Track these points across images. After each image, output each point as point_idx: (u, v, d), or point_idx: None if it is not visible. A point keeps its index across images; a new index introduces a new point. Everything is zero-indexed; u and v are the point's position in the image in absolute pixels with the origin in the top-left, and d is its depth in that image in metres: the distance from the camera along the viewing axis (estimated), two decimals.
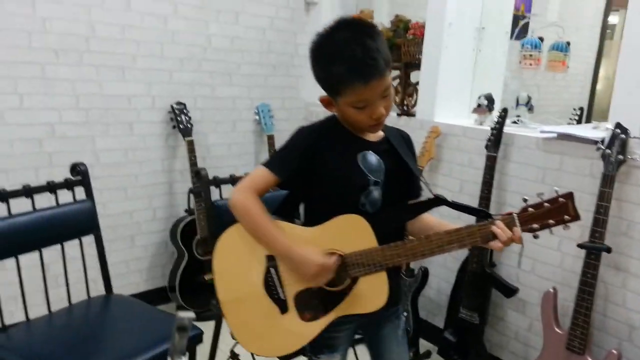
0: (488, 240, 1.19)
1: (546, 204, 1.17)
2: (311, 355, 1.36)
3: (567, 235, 1.97)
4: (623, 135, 1.78)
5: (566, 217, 1.17)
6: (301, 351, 1.33)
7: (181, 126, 2.62)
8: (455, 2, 2.45)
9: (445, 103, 2.54)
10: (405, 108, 2.73)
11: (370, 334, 1.45)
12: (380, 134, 1.32)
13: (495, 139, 2.15)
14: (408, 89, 2.75)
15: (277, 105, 3.10)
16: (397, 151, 1.30)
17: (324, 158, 1.25)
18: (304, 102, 3.23)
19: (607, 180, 1.78)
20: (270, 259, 1.27)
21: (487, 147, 2.17)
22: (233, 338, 1.35)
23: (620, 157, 1.77)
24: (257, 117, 2.99)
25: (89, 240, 1.80)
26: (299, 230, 1.28)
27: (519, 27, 2.50)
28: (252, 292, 1.28)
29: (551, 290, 1.96)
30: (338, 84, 1.18)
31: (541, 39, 2.37)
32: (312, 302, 1.27)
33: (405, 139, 1.39)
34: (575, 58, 4.72)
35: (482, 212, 1.30)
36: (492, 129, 2.17)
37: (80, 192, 1.79)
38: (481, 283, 2.18)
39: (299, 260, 1.22)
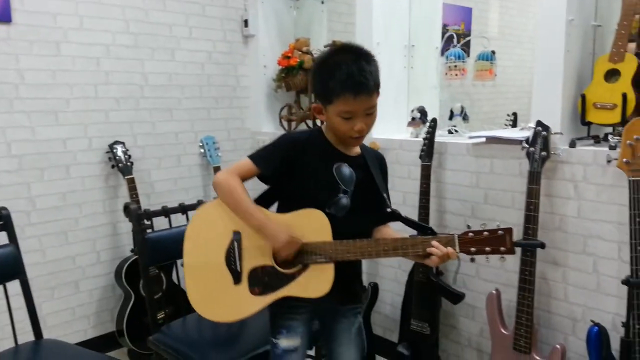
0: (428, 253, 1.35)
1: (485, 233, 1.35)
2: (271, 338, 1.49)
3: None
4: (544, 133, 1.83)
5: (502, 248, 1.35)
6: (244, 320, 1.42)
7: (120, 165, 2.59)
8: (382, 23, 2.52)
9: (383, 118, 2.55)
10: None
11: (326, 325, 1.57)
12: (358, 150, 1.50)
13: (428, 149, 2.18)
14: None
15: (222, 136, 3.10)
16: (369, 168, 1.48)
17: (303, 162, 1.43)
18: (250, 131, 3.24)
19: (534, 177, 1.82)
20: (236, 234, 1.41)
21: (421, 157, 2.20)
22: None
23: (544, 153, 1.82)
24: (202, 150, 2.98)
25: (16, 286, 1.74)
26: (269, 213, 1.44)
27: (444, 40, 2.58)
28: (213, 260, 1.41)
29: (494, 291, 1.97)
30: (332, 94, 1.36)
31: (493, 52, 2.44)
32: (263, 279, 1.39)
33: (379, 160, 1.57)
34: (522, 70, 4.91)
35: (429, 230, 1.43)
36: (424, 139, 2.21)
37: (3, 238, 1.74)
38: (428, 292, 2.18)
39: (271, 232, 1.37)
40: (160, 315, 2.35)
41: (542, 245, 1.82)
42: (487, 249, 1.35)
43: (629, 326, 1.62)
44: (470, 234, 1.36)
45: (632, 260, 1.59)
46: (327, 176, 1.43)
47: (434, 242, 1.34)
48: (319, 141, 1.47)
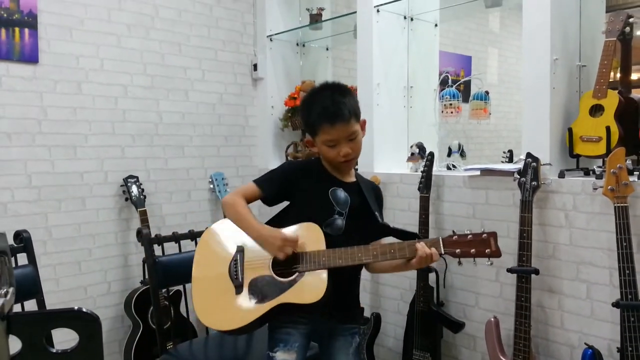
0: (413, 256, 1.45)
1: (470, 236, 1.45)
2: (268, 352, 1.56)
3: (502, 265, 2.08)
4: (534, 164, 1.94)
5: (487, 250, 1.43)
6: (244, 329, 1.50)
7: (134, 198, 2.72)
8: (382, 65, 2.69)
9: (383, 154, 2.71)
10: None
11: (323, 345, 1.65)
12: (354, 179, 1.66)
13: (426, 181, 2.29)
14: None
15: (231, 173, 3.23)
16: (364, 193, 1.62)
17: (303, 186, 1.60)
18: (257, 168, 3.37)
19: (525, 206, 1.91)
20: (239, 249, 1.55)
21: (419, 189, 2.30)
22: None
23: (534, 183, 1.92)
24: (211, 186, 3.11)
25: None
26: (270, 226, 1.58)
27: (439, 81, 2.74)
28: (217, 273, 1.53)
29: (492, 319, 2.02)
30: (314, 126, 1.56)
31: (487, 93, 2.59)
32: (262, 288, 1.49)
33: (375, 190, 1.72)
34: (521, 115, 5.07)
35: (415, 235, 1.55)
36: (422, 172, 2.32)
37: (23, 259, 1.84)
38: (429, 322, 2.22)
39: (267, 236, 1.51)
40: (169, 346, 2.40)
41: (536, 272, 1.89)
42: (472, 250, 1.43)
43: (624, 350, 1.66)
44: (455, 236, 1.46)
45: (621, 283, 1.66)
46: (323, 198, 1.57)
47: (420, 243, 1.45)
48: (317, 168, 1.64)
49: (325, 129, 1.52)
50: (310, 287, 1.45)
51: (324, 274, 1.45)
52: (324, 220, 1.55)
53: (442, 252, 1.45)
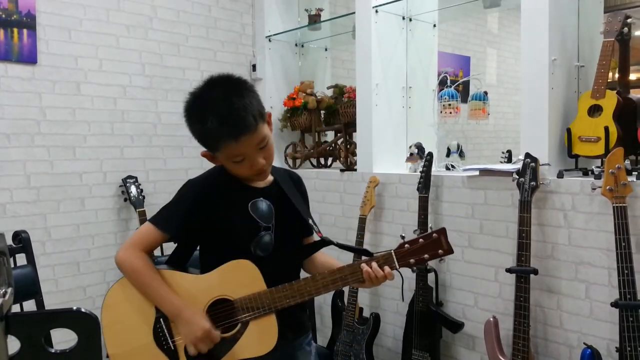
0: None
1: (421, 240, 1.29)
2: None
3: (501, 264, 2.09)
4: (533, 164, 1.94)
5: (440, 251, 1.28)
6: None
7: (133, 198, 2.71)
8: (380, 65, 2.69)
9: (382, 155, 2.71)
10: (348, 164, 2.90)
11: None
12: (270, 178, 1.41)
13: (425, 181, 2.29)
14: (350, 147, 2.94)
15: None
16: (287, 195, 1.38)
17: (214, 210, 1.30)
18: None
19: (524, 206, 1.91)
20: (158, 310, 1.30)
21: (418, 189, 2.30)
22: None
23: (533, 183, 1.92)
24: None
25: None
26: (190, 278, 1.32)
27: (438, 82, 2.74)
28: (141, 345, 1.29)
29: (491, 319, 2.02)
30: (212, 141, 1.26)
31: (486, 93, 2.59)
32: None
33: (295, 181, 1.48)
34: (519, 116, 5.08)
35: (364, 252, 1.37)
36: (421, 172, 2.32)
37: (22, 259, 1.84)
38: (428, 322, 2.23)
39: (186, 322, 1.26)
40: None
41: (535, 272, 1.89)
42: (426, 256, 1.28)
43: (622, 350, 1.67)
44: (407, 245, 1.30)
45: (620, 283, 1.66)
46: (243, 216, 1.32)
47: (368, 266, 1.27)
48: (225, 181, 1.34)
49: (228, 145, 1.22)
50: (260, 336, 1.27)
51: (271, 319, 1.27)
52: (251, 241, 1.32)
53: (397, 267, 1.29)
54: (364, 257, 1.33)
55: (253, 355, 1.28)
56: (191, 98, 1.31)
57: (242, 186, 1.35)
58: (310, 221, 1.40)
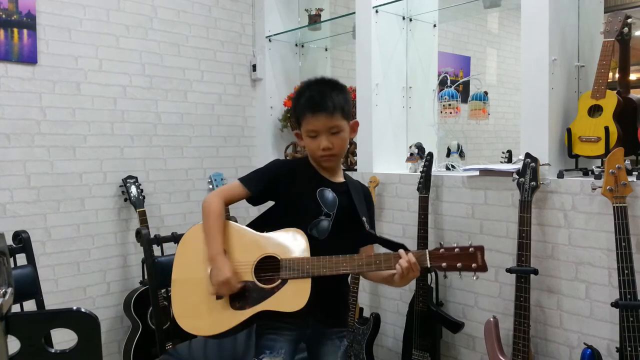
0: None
1: (457, 249, 1.41)
2: (254, 358, 1.52)
3: (502, 264, 2.08)
4: (533, 164, 1.94)
5: (474, 264, 1.39)
6: (224, 334, 1.47)
7: (133, 198, 2.71)
8: (380, 65, 2.69)
9: (383, 155, 2.71)
10: (349, 164, 2.90)
11: (311, 349, 1.61)
12: (342, 179, 1.62)
13: (425, 181, 2.29)
14: (350, 147, 2.94)
15: (230, 173, 3.23)
16: (352, 195, 1.57)
17: (290, 185, 1.54)
18: (256, 168, 3.37)
19: (524, 206, 1.91)
20: None
21: (418, 189, 2.30)
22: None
23: (533, 183, 1.92)
24: (210, 186, 3.10)
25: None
26: (251, 234, 1.52)
27: (438, 82, 2.74)
28: (198, 277, 1.48)
29: (491, 319, 2.02)
30: (298, 116, 1.53)
31: (486, 93, 2.59)
32: (243, 294, 1.45)
33: (364, 192, 1.67)
34: (519, 116, 5.08)
35: (401, 246, 1.48)
36: (421, 172, 2.32)
37: (22, 259, 1.84)
38: (429, 322, 2.23)
39: (216, 266, 1.45)
40: (168, 346, 2.40)
41: (535, 272, 1.89)
42: (459, 264, 1.39)
43: (622, 350, 1.67)
44: (442, 249, 1.41)
45: (620, 283, 1.66)
46: (310, 199, 1.52)
47: (409, 254, 1.40)
48: (305, 167, 1.58)
49: (307, 118, 1.49)
50: (293, 295, 1.41)
51: (307, 283, 1.41)
52: (310, 221, 1.51)
53: (429, 265, 1.40)
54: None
55: (282, 310, 1.41)
56: (300, 88, 1.58)
57: (317, 175, 1.58)
58: (365, 219, 1.54)
